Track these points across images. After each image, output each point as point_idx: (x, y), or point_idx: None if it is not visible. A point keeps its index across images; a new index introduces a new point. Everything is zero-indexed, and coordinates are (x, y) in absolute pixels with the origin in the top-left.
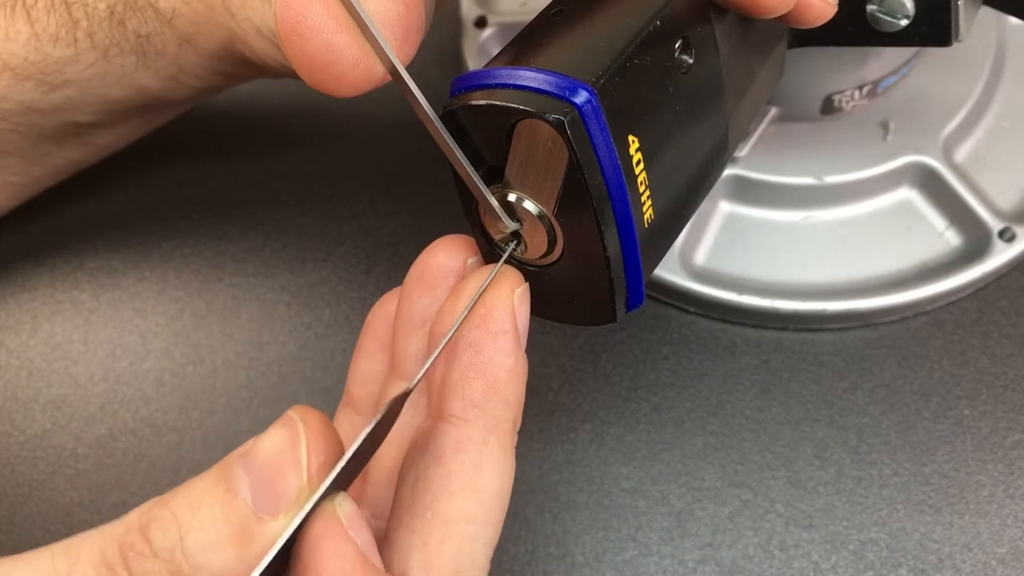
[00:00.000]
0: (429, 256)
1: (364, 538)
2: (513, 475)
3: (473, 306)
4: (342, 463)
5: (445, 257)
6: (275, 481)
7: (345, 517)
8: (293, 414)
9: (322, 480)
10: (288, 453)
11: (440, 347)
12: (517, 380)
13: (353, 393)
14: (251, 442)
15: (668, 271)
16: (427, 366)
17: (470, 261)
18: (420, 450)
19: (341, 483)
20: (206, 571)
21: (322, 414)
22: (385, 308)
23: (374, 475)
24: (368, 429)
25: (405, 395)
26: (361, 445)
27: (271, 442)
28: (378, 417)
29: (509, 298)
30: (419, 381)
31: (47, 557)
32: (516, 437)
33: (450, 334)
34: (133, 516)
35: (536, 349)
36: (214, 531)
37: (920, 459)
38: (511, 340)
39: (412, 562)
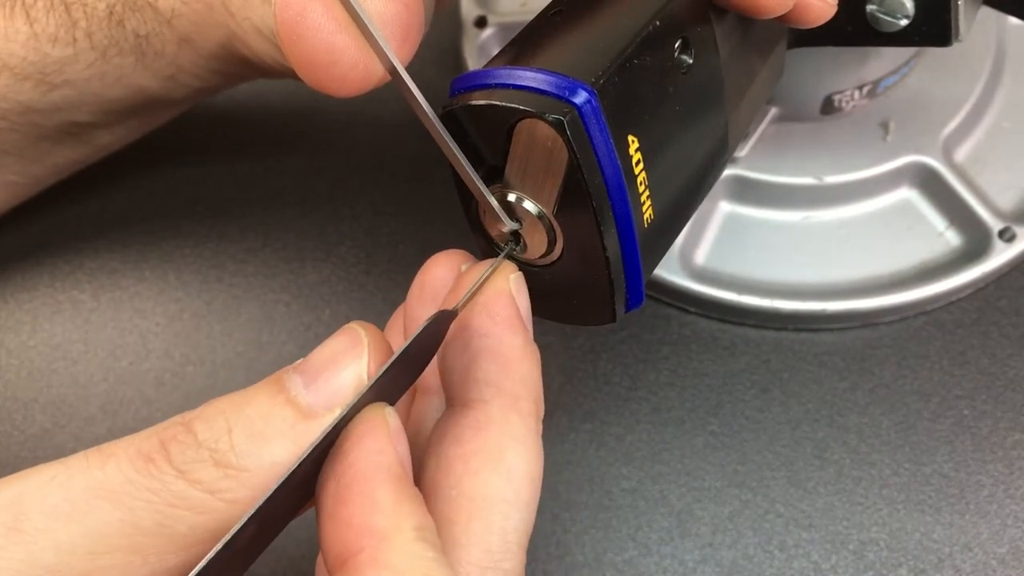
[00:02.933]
0: (427, 272)
1: (404, 451)
2: (541, 459)
3: (473, 296)
4: (387, 364)
5: (443, 271)
6: (332, 377)
7: (392, 423)
8: (355, 326)
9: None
10: (348, 351)
11: (465, 296)
12: (529, 360)
13: None
14: (301, 359)
15: (668, 271)
16: (465, 298)
17: (463, 267)
18: (440, 436)
19: (387, 397)
20: (253, 462)
21: (379, 330)
22: (397, 323)
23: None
24: (414, 336)
25: (452, 312)
26: (406, 356)
27: (331, 347)
28: (423, 326)
29: (505, 283)
30: (463, 304)
31: (80, 457)
32: (540, 425)
33: (473, 287)
34: (176, 417)
35: None
36: (264, 424)
37: (920, 459)
38: (516, 321)
39: (441, 541)
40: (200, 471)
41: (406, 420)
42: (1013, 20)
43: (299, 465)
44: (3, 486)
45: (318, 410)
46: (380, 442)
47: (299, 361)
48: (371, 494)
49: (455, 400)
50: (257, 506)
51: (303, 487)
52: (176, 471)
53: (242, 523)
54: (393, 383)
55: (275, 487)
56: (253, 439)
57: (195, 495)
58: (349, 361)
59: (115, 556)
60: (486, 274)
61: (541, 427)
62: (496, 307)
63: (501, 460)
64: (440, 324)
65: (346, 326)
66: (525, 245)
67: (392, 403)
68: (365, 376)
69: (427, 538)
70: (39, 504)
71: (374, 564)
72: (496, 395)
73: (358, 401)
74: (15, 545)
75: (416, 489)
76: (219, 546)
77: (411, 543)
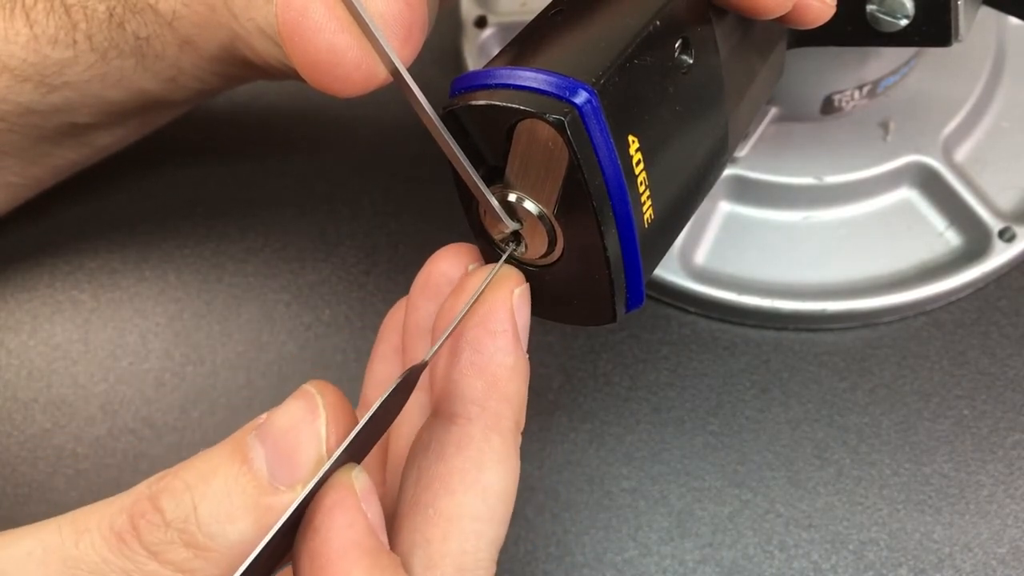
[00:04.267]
0: (432, 265)
1: (375, 512)
2: (518, 475)
3: (473, 305)
4: (355, 432)
5: (448, 265)
6: (293, 452)
7: (360, 487)
8: (311, 388)
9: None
10: (306, 424)
11: (447, 333)
12: (518, 379)
13: (369, 396)
14: (264, 416)
15: (668, 271)
16: (437, 346)
17: (471, 267)
18: (422, 447)
19: (355, 455)
20: (221, 541)
21: (338, 389)
22: (397, 316)
23: (393, 464)
24: (382, 398)
25: (420, 367)
26: (375, 416)
27: (289, 414)
28: (389, 390)
29: (508, 297)
30: (433, 355)
31: (54, 528)
32: (520, 438)
33: (456, 320)
34: (142, 487)
35: (536, 349)
36: (229, 501)
37: (920, 459)
38: (510, 339)
39: (415, 560)
40: (171, 552)
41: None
42: (1013, 20)
43: (268, 542)
44: None
45: (281, 487)
46: (350, 514)
47: (262, 420)
48: (346, 573)
49: (439, 410)
50: None
51: (275, 555)
52: (148, 552)
53: None
54: (361, 442)
55: (245, 566)
56: (219, 519)
57: (169, 575)
58: (308, 430)
59: None
60: (481, 288)
61: (520, 441)
62: (493, 321)
63: (479, 481)
64: (409, 381)
65: (302, 388)
66: (526, 245)
67: (359, 460)
68: (323, 445)
69: None
70: None
71: None
72: (480, 414)
73: (323, 474)
74: None
75: (391, 557)
76: None
77: None
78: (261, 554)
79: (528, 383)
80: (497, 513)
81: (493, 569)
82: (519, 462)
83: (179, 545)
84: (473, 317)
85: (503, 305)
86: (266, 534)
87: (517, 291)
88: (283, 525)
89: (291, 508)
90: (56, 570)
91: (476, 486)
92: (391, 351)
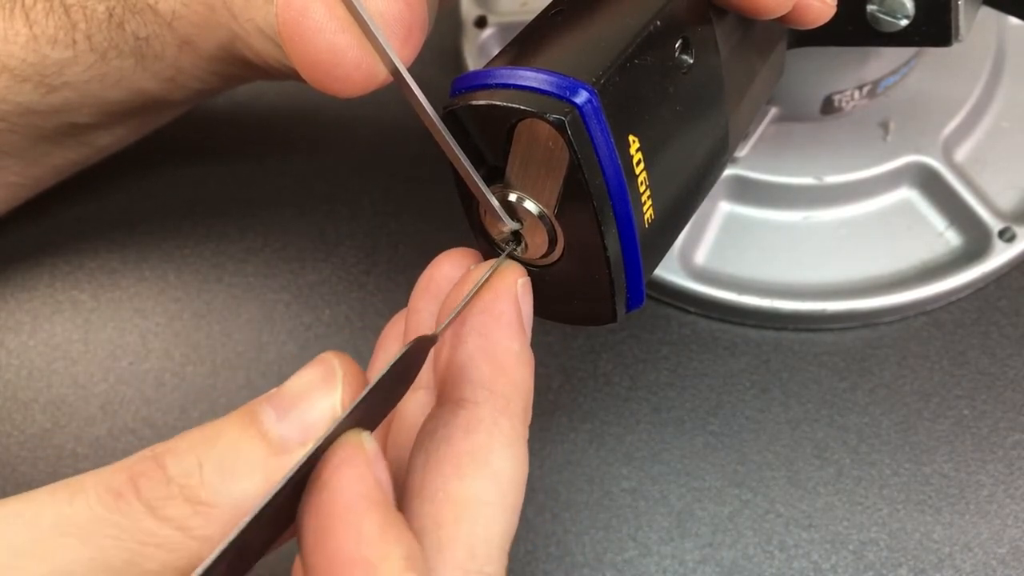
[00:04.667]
0: (434, 269)
1: (384, 476)
2: (527, 463)
3: (478, 293)
4: (364, 393)
5: (450, 268)
6: (306, 410)
7: (370, 448)
8: (330, 356)
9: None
10: (321, 384)
11: (458, 309)
12: (524, 367)
13: None
14: (274, 389)
15: (668, 271)
16: (448, 322)
17: (472, 267)
18: (429, 433)
19: (365, 423)
20: (224, 498)
21: (355, 362)
22: (398, 325)
23: (392, 454)
24: (391, 364)
25: (429, 339)
26: (383, 386)
27: (304, 378)
28: (400, 354)
29: (513, 285)
30: (444, 329)
31: (47, 492)
32: (527, 429)
33: (465, 300)
34: (146, 451)
35: (536, 349)
36: (235, 459)
37: (920, 459)
38: (516, 326)
39: (426, 543)
40: (170, 507)
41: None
42: (1013, 20)
43: (271, 500)
44: None
45: (291, 444)
46: (360, 469)
47: (272, 391)
48: (356, 525)
49: (446, 396)
50: (226, 543)
51: (278, 520)
52: (146, 507)
53: (212, 560)
54: (370, 411)
55: (244, 523)
56: (224, 475)
57: (165, 532)
58: (322, 393)
59: None
60: (484, 276)
61: (528, 432)
62: (499, 307)
63: (489, 464)
64: (419, 350)
65: (320, 356)
66: (526, 245)
67: (370, 431)
68: (339, 408)
69: (416, 567)
70: (4, 542)
71: None
72: (488, 398)
73: (332, 432)
74: None
75: (400, 515)
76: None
77: (401, 573)
78: (261, 515)
79: (533, 375)
80: (508, 499)
81: (505, 562)
82: (527, 452)
83: (179, 500)
84: (478, 304)
85: (508, 292)
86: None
87: (521, 280)
88: (287, 487)
89: (298, 463)
90: (45, 531)
91: (486, 469)
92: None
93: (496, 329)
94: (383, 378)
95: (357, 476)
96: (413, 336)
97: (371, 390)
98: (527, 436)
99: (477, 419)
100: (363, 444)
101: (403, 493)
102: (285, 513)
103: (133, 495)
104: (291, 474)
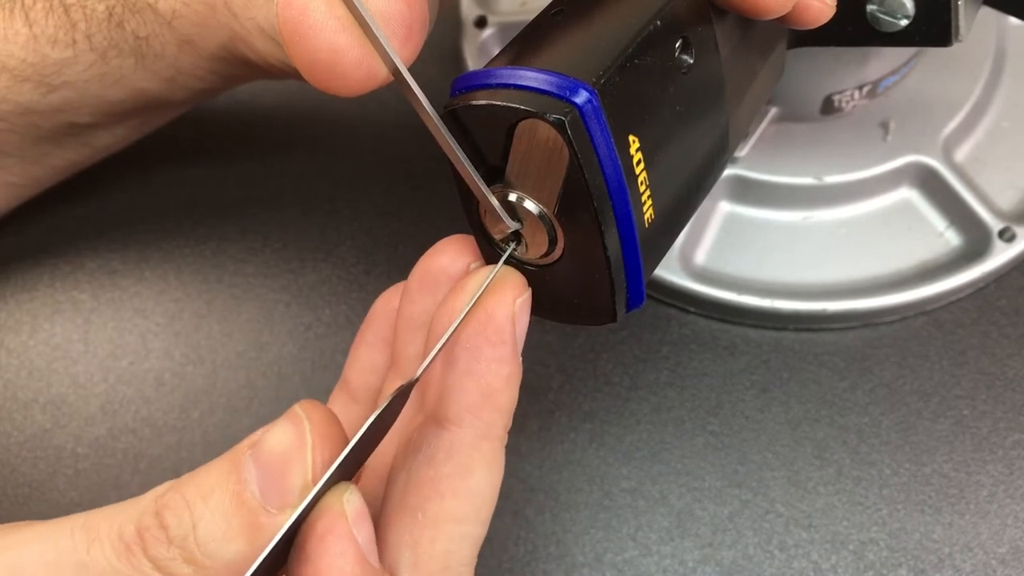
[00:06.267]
0: (432, 258)
1: (366, 535)
2: (502, 476)
3: (474, 308)
4: (343, 456)
5: (448, 259)
6: (282, 476)
7: (351, 512)
8: (299, 410)
9: (325, 473)
10: (294, 450)
11: (439, 346)
12: (511, 388)
13: (351, 380)
14: (259, 432)
15: (668, 271)
16: (427, 363)
17: (473, 265)
18: (413, 450)
19: (347, 473)
20: (218, 560)
21: (327, 409)
22: (389, 303)
23: (371, 467)
24: (370, 421)
25: (408, 388)
26: (363, 436)
27: (277, 437)
28: (380, 410)
29: (510, 306)
30: (420, 376)
31: (66, 532)
32: (506, 439)
33: (448, 332)
34: (149, 499)
35: (536, 349)
36: (224, 522)
37: (920, 459)
38: (508, 349)
39: (402, 560)
40: (173, 567)
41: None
42: (1013, 20)
43: (262, 562)
44: None
45: (271, 510)
46: (340, 544)
47: (256, 436)
48: None
49: (432, 413)
50: None
51: (272, 569)
52: (153, 564)
53: None
54: (351, 460)
55: None
56: (216, 537)
57: None
58: (296, 460)
59: None
60: (479, 292)
61: (507, 436)
62: (493, 331)
63: (467, 485)
64: (400, 399)
65: (292, 411)
66: (526, 245)
67: (352, 474)
68: (310, 477)
69: None
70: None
71: None
72: (472, 422)
73: (313, 496)
74: None
75: (378, 569)
76: None
77: None
78: (256, 571)
79: (526, 383)
80: (481, 515)
81: (473, 565)
82: (503, 465)
83: (180, 562)
84: (472, 323)
85: (504, 314)
86: (259, 552)
87: (519, 301)
88: (276, 545)
89: (280, 532)
90: (68, 574)
91: (464, 489)
92: (379, 339)
93: (488, 352)
94: (362, 437)
95: (339, 551)
96: (405, 325)
97: (352, 447)
98: (506, 441)
99: (459, 442)
100: (343, 511)
101: (383, 505)
102: (278, 563)
103: (140, 550)
104: (276, 540)
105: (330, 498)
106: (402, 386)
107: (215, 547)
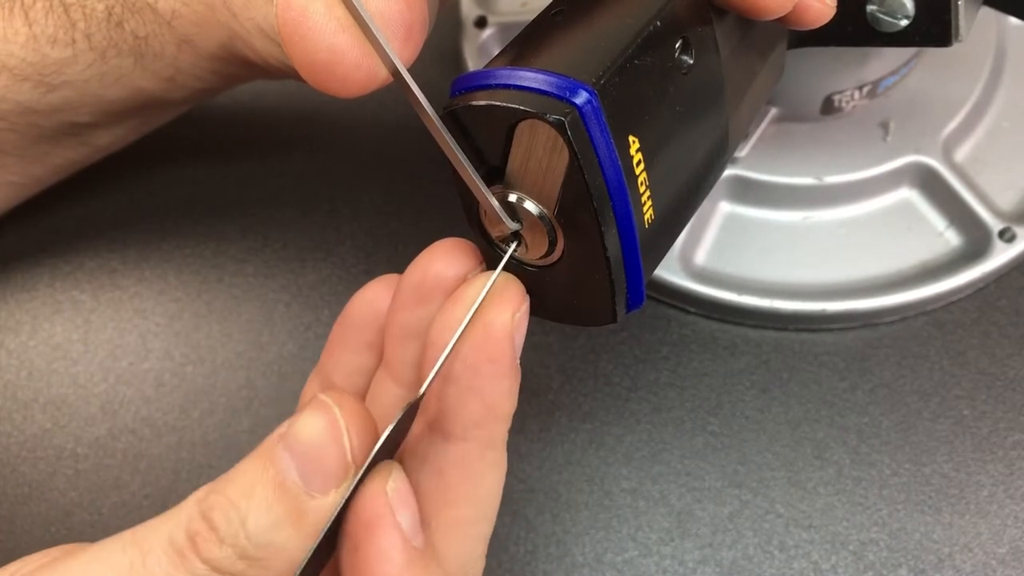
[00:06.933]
0: (426, 264)
1: (410, 517)
2: (504, 473)
3: (472, 323)
4: (379, 443)
5: (443, 265)
6: (320, 461)
7: (395, 497)
8: (327, 399)
9: (365, 455)
10: (329, 434)
11: (440, 362)
12: (512, 398)
13: (337, 382)
14: (285, 425)
15: (668, 271)
16: (431, 379)
17: (471, 274)
18: (419, 462)
19: (381, 458)
20: (270, 550)
21: (354, 396)
22: (370, 304)
23: None
24: (386, 433)
25: (416, 404)
26: (381, 450)
27: (309, 425)
28: (396, 421)
29: (508, 323)
30: (427, 388)
31: (118, 550)
32: (507, 437)
33: (448, 348)
34: (191, 504)
35: (536, 349)
36: (271, 512)
37: (920, 459)
38: (508, 364)
39: None
40: (228, 564)
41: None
42: (1013, 20)
43: (316, 547)
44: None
45: (315, 494)
46: (386, 536)
47: (283, 428)
48: None
49: (437, 425)
50: None
51: (322, 553)
52: (208, 566)
53: None
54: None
55: (299, 570)
56: (265, 530)
57: None
58: (333, 446)
59: None
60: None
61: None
62: (491, 348)
63: (476, 491)
64: (408, 417)
65: (318, 400)
66: (526, 246)
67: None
68: (350, 458)
69: None
70: None
71: None
72: (477, 437)
73: (356, 480)
74: None
75: (424, 559)
76: None
77: None
78: (310, 558)
79: (527, 384)
80: (489, 512)
81: (484, 554)
82: (506, 460)
83: (235, 558)
84: (471, 339)
85: (502, 331)
86: (308, 536)
87: (518, 315)
88: (327, 531)
89: (330, 516)
90: None
91: (474, 495)
92: (363, 344)
93: (488, 369)
94: (380, 448)
95: (386, 543)
96: (396, 336)
97: (372, 457)
98: (505, 448)
99: (465, 454)
100: (386, 496)
101: None
102: (327, 546)
103: (194, 555)
104: (327, 526)
105: (374, 483)
106: (410, 403)
107: (266, 538)
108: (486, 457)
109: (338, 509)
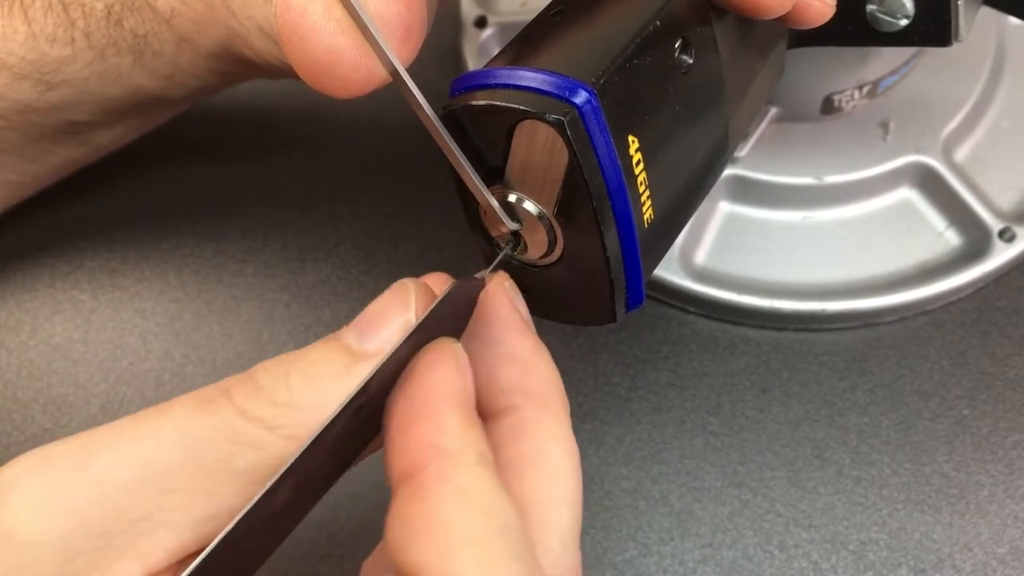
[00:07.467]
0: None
1: (470, 387)
2: (579, 457)
3: (472, 323)
4: (433, 305)
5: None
6: (383, 326)
7: (460, 359)
8: (405, 280)
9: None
10: (396, 303)
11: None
12: (545, 361)
13: None
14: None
15: (668, 271)
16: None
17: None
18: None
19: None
20: (308, 400)
21: (425, 283)
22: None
23: None
24: (454, 286)
25: (481, 281)
26: (445, 307)
27: (382, 300)
28: (461, 282)
29: (499, 287)
30: (489, 272)
31: (144, 411)
32: (570, 420)
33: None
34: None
35: None
36: (320, 368)
37: (920, 459)
38: (521, 324)
39: None
40: (259, 410)
41: None
42: (1013, 20)
43: (349, 402)
44: (74, 437)
45: (369, 354)
46: (450, 371)
47: (356, 318)
48: (440, 417)
49: (484, 413)
50: (312, 438)
51: (343, 448)
52: (237, 410)
53: (302, 450)
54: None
55: (327, 421)
56: (309, 381)
57: (254, 431)
58: (398, 312)
59: (178, 495)
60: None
61: (571, 425)
62: (500, 314)
63: (545, 462)
64: (472, 289)
65: (397, 283)
66: (525, 245)
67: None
68: (413, 320)
69: (488, 464)
70: (107, 447)
71: (440, 479)
72: (525, 399)
73: (406, 341)
74: (83, 481)
75: (479, 420)
76: (283, 471)
77: (475, 465)
78: (342, 414)
79: (557, 369)
80: (570, 492)
81: (579, 555)
82: (576, 446)
83: (267, 403)
84: (477, 319)
85: (502, 298)
86: (351, 386)
87: (506, 283)
88: (361, 396)
89: (375, 366)
90: (144, 436)
91: (543, 468)
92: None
93: (504, 333)
94: (447, 295)
95: (447, 376)
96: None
97: (434, 315)
98: (571, 428)
99: (522, 421)
100: (455, 353)
101: None
102: (347, 444)
103: (225, 401)
104: (368, 377)
105: (441, 340)
106: (464, 280)
107: (307, 389)
108: (544, 422)
109: (387, 357)
